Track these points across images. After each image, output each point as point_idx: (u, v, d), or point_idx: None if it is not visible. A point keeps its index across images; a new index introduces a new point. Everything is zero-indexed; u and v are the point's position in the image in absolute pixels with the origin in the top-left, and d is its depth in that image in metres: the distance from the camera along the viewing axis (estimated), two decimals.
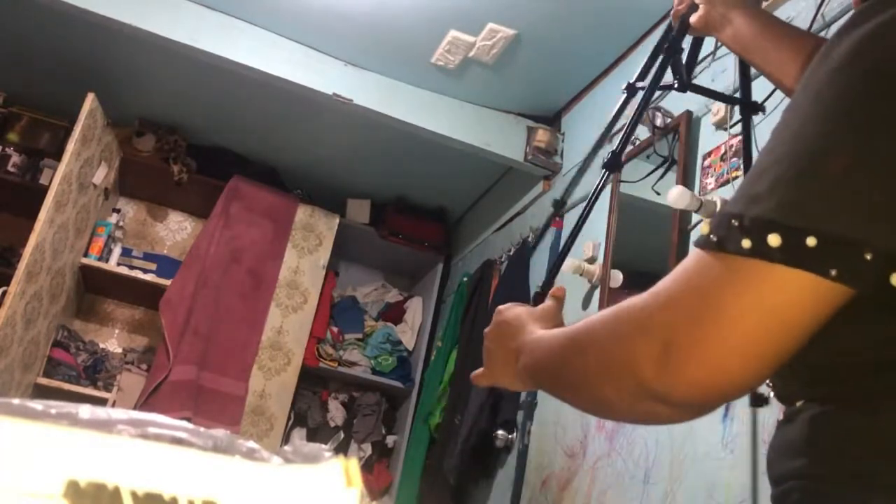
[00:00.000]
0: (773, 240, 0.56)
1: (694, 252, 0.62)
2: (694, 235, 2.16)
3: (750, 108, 1.44)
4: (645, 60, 1.40)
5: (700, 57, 2.44)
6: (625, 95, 1.43)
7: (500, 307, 0.97)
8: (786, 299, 0.57)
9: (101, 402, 3.50)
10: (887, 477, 0.57)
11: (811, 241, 0.55)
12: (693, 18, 1.23)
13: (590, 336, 0.70)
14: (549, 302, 0.95)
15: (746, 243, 0.57)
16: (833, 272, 0.54)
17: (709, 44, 2.32)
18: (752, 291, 0.57)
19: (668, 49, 1.33)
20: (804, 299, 0.56)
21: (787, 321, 0.57)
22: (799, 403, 0.67)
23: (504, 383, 0.93)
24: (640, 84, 1.40)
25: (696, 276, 0.61)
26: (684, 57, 1.39)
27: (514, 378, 0.90)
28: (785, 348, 0.58)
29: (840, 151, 0.57)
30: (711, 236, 0.60)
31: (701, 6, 1.22)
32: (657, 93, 1.45)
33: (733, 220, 0.59)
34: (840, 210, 0.56)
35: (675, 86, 1.39)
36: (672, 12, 1.32)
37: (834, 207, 0.56)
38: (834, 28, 1.81)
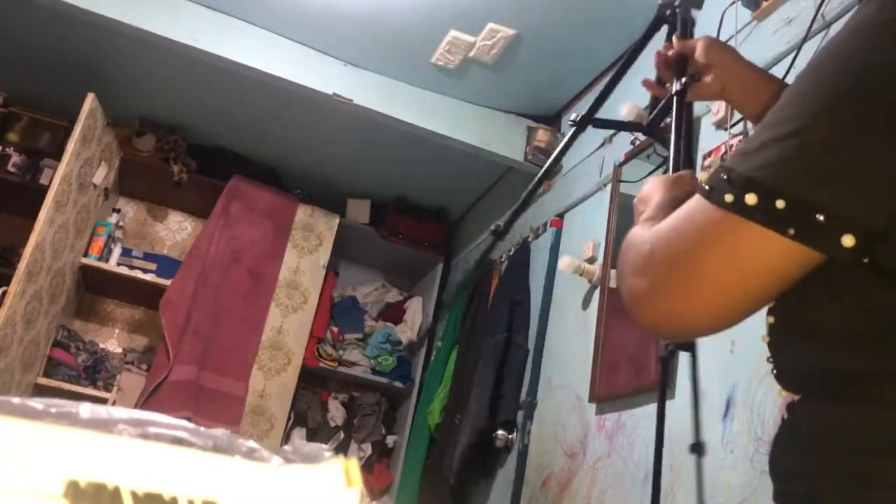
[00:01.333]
0: (750, 198, 0.60)
1: (694, 197, 0.67)
2: None
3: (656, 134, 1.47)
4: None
5: None
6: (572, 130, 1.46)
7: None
8: (757, 256, 0.61)
9: (101, 402, 3.50)
10: (890, 474, 0.57)
11: (780, 204, 0.59)
12: (708, 80, 1.15)
13: (625, 252, 0.77)
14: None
15: (728, 198, 0.62)
16: (791, 231, 0.59)
17: None
18: (727, 244, 0.62)
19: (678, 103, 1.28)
20: (774, 257, 0.61)
21: (758, 276, 0.62)
22: (800, 395, 0.68)
23: None
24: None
25: (685, 221, 0.67)
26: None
27: None
28: (754, 300, 0.64)
29: (821, 123, 0.60)
30: (705, 185, 0.65)
31: (713, 75, 1.14)
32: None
33: (723, 174, 0.63)
34: (810, 176, 0.59)
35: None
36: (657, 61, 1.28)
37: (805, 173, 0.60)
38: (834, 28, 1.81)
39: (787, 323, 0.69)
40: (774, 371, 0.73)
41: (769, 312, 0.72)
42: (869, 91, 0.60)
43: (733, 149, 2.08)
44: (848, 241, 0.57)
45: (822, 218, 0.58)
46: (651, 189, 0.93)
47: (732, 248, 0.62)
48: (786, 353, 0.71)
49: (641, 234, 0.74)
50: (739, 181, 0.61)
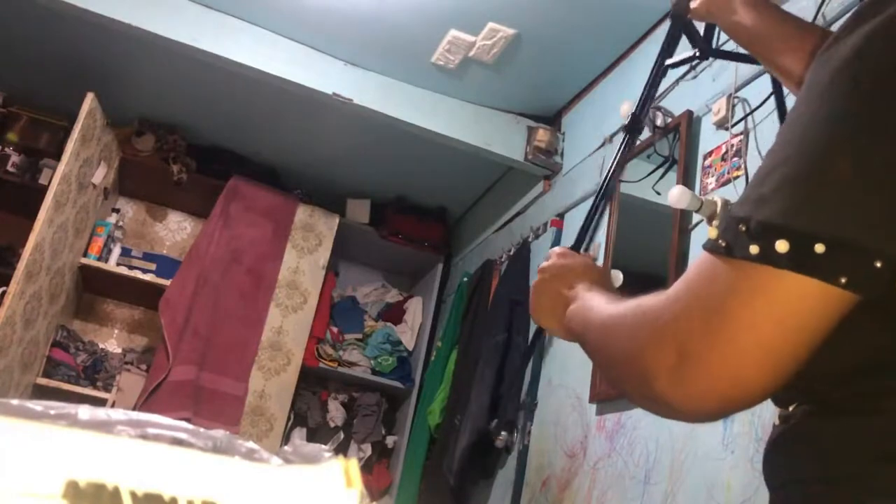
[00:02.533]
0: (781, 246, 0.55)
1: (704, 256, 0.61)
2: (695, 236, 2.16)
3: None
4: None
5: None
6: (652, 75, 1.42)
7: (560, 250, 0.99)
8: (797, 307, 0.56)
9: (101, 402, 3.50)
10: (886, 479, 0.56)
11: (819, 248, 0.54)
12: (694, 4, 1.21)
13: (616, 330, 0.71)
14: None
15: (754, 249, 0.56)
16: (843, 280, 0.54)
17: None
18: (764, 299, 0.56)
19: (672, 29, 1.31)
20: (816, 306, 0.56)
21: (801, 328, 0.57)
22: (793, 406, 0.66)
23: (546, 325, 0.95)
24: (670, 61, 1.38)
25: (706, 283, 0.60)
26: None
27: (559, 325, 0.91)
28: (800, 355, 0.58)
29: (847, 154, 0.56)
30: (720, 241, 0.59)
31: None
32: (684, 67, 1.44)
33: (741, 225, 0.58)
34: (848, 215, 0.55)
35: (698, 54, 1.38)
36: None
37: (841, 212, 0.55)
38: (835, 28, 1.80)
39: None
40: None
41: None
42: (886, 118, 0.56)
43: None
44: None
45: (879, 265, 0.53)
46: (578, 270, 0.93)
47: (769, 302, 0.56)
48: None
49: (626, 308, 0.69)
50: (765, 229, 0.56)
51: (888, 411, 0.58)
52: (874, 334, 0.59)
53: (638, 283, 2.47)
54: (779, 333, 0.57)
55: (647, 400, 0.64)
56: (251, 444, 0.37)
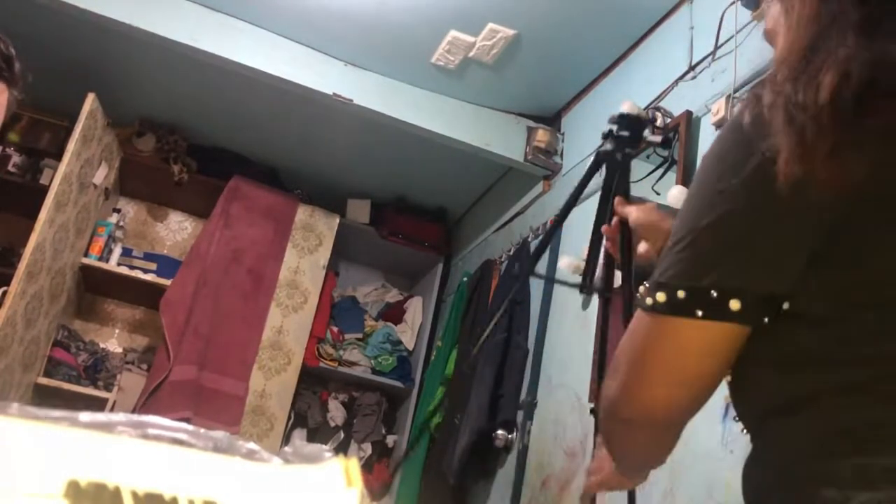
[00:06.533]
0: (661, 297, 0.74)
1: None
2: None
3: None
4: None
5: (701, 57, 2.44)
6: None
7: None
8: (678, 340, 0.74)
9: (102, 401, 3.51)
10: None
11: (681, 294, 0.72)
12: (642, 251, 1.20)
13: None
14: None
15: (648, 301, 0.75)
16: (699, 313, 0.71)
17: (709, 43, 2.32)
18: (654, 338, 0.76)
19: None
20: (692, 338, 0.74)
21: (685, 356, 0.75)
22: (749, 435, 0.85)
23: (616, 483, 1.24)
24: None
25: (629, 332, 0.80)
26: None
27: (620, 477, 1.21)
28: (697, 377, 0.76)
29: (685, 225, 0.75)
30: (638, 298, 0.79)
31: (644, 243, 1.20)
32: None
33: (642, 286, 0.77)
34: (697, 268, 0.73)
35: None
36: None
37: (687, 266, 0.73)
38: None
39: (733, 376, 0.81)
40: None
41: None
42: (721, 211, 0.73)
43: None
44: (735, 305, 0.70)
45: (714, 294, 0.70)
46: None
47: (658, 340, 0.75)
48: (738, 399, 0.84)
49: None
50: (653, 287, 0.75)
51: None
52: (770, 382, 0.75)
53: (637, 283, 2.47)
54: (666, 361, 0.76)
55: (615, 424, 0.86)
56: (252, 445, 0.37)
